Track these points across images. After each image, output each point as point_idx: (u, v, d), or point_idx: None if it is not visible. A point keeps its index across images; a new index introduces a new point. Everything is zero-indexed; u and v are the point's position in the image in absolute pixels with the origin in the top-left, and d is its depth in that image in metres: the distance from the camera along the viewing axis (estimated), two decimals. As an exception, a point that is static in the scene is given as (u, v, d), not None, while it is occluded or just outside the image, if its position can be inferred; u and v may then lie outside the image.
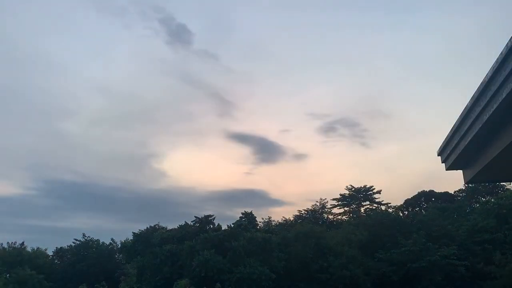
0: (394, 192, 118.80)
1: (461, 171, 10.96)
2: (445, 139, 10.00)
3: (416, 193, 68.67)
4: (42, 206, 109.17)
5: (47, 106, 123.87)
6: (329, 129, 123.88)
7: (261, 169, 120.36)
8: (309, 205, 76.76)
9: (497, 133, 8.02)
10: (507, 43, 6.10)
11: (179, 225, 54.11)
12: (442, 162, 10.86)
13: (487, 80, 6.94)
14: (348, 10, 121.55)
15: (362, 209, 70.54)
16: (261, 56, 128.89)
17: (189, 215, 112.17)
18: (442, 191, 68.09)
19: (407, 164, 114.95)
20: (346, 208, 72.72)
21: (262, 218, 68.68)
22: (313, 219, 68.43)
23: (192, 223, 53.77)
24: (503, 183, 60.44)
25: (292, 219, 71.14)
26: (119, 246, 60.73)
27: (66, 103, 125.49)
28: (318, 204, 72.42)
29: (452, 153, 9.95)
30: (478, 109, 7.69)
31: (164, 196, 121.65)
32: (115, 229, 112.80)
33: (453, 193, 69.27)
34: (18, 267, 51.86)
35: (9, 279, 48.90)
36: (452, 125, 9.32)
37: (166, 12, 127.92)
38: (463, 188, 67.73)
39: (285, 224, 68.33)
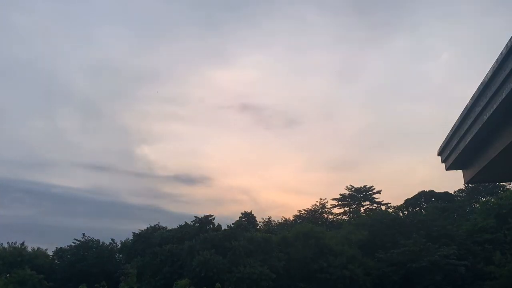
0: (394, 192, 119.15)
1: (461, 171, 10.95)
2: (445, 139, 9.98)
3: (416, 193, 68.73)
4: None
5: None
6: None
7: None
8: None
9: (497, 133, 8.01)
10: (507, 43, 6.09)
11: (179, 225, 54.21)
12: (442, 162, 10.84)
13: (487, 80, 6.93)
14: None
15: (362, 209, 70.60)
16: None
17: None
18: (442, 191, 68.18)
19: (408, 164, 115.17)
20: (346, 208, 72.79)
21: (262, 218, 68.87)
22: (313, 219, 68.47)
23: (192, 223, 53.79)
24: (503, 183, 60.48)
25: (292, 219, 71.30)
26: (119, 246, 60.72)
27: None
28: (318, 204, 72.58)
29: (452, 153, 9.93)
30: (478, 109, 7.68)
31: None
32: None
33: (453, 193, 69.37)
34: (18, 267, 51.86)
35: (9, 279, 48.83)
36: (452, 125, 9.32)
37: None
38: (463, 188, 67.86)
39: (285, 224, 68.45)
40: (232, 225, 51.96)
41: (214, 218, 53.93)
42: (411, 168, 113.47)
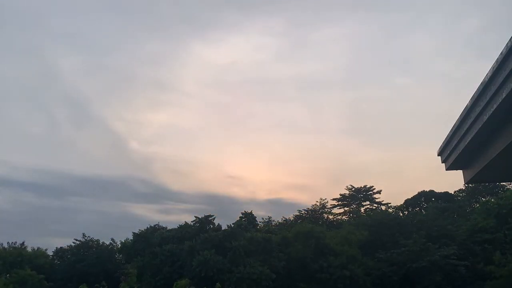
0: (394, 192, 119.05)
1: (461, 171, 10.96)
2: (445, 139, 9.99)
3: (416, 193, 68.70)
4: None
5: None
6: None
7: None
8: None
9: (497, 133, 8.02)
10: (507, 43, 6.09)
11: (179, 225, 54.22)
12: (442, 162, 10.86)
13: (487, 80, 6.93)
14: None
15: (362, 209, 70.58)
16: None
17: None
18: (442, 191, 68.11)
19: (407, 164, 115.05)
20: (346, 208, 72.78)
21: (262, 218, 68.84)
22: (313, 219, 68.42)
23: (192, 223, 53.79)
24: (503, 183, 60.47)
25: (292, 219, 71.25)
26: (119, 246, 60.75)
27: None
28: (318, 204, 72.56)
29: (452, 153, 9.95)
30: (478, 109, 7.69)
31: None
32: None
33: (453, 193, 69.31)
34: (18, 267, 51.90)
35: (9, 279, 48.84)
36: (452, 125, 9.32)
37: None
38: (463, 188, 67.80)
39: (285, 224, 68.35)
40: (232, 225, 51.96)
41: (214, 218, 54.00)
42: (411, 168, 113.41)
